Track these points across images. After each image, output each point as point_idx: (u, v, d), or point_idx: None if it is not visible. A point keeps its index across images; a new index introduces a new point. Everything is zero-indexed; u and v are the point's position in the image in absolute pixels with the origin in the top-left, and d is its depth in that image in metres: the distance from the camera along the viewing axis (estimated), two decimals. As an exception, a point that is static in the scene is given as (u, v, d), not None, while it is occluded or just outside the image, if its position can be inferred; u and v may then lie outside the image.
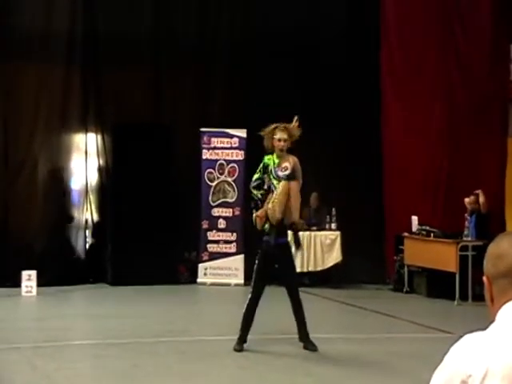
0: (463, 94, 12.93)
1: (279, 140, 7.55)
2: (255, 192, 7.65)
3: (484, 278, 1.99)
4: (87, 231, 13.13)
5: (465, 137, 12.83)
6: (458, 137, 12.88)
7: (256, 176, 7.71)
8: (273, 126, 7.69)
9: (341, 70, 13.23)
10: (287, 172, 7.48)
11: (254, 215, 7.61)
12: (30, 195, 12.63)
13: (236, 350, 7.64)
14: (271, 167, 7.58)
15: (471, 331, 1.99)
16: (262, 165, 7.71)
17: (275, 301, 8.59)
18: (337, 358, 7.67)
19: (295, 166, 7.56)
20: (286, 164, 7.50)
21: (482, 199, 11.63)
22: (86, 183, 13.08)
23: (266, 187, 7.58)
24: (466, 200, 11.77)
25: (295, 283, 7.96)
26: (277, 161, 7.55)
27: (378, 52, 13.36)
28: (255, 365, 7.33)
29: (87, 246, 13.15)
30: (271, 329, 8.36)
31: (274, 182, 7.54)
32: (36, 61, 12.50)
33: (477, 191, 11.73)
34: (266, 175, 7.59)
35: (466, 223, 11.61)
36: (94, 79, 12.93)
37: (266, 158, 7.65)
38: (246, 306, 7.75)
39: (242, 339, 7.69)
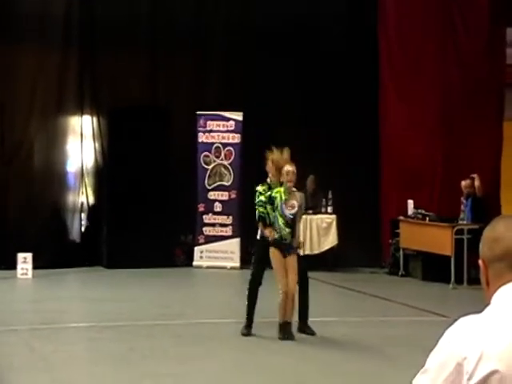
0: (460, 79, 12.90)
1: (287, 174, 7.47)
2: (261, 209, 7.64)
3: (480, 262, 1.98)
4: (83, 214, 13.12)
5: (461, 121, 12.82)
6: (453, 121, 12.87)
7: (261, 198, 7.64)
8: (280, 156, 7.58)
9: (340, 57, 13.18)
10: (294, 211, 7.52)
11: (261, 228, 7.67)
12: (26, 178, 12.60)
13: (243, 334, 7.62)
14: (278, 203, 7.52)
15: (466, 314, 1.99)
16: (267, 192, 7.63)
17: (272, 284, 8.61)
18: (333, 341, 7.70)
19: (301, 204, 7.69)
20: (293, 202, 7.53)
21: (477, 183, 11.65)
22: (82, 166, 13.06)
23: (268, 221, 7.56)
24: (463, 183, 11.78)
25: (302, 267, 7.95)
26: (284, 197, 7.51)
27: (376, 44, 13.33)
28: (252, 348, 7.36)
29: (83, 229, 13.15)
30: (269, 313, 8.36)
31: (280, 218, 7.51)
32: (33, 44, 12.44)
33: (473, 175, 11.73)
34: (269, 207, 7.55)
35: (462, 207, 11.62)
36: (91, 62, 12.88)
37: (274, 192, 7.55)
38: (247, 290, 7.76)
39: (249, 323, 7.69)
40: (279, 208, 7.50)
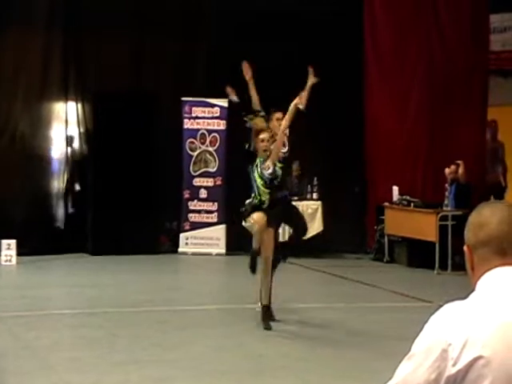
0: (443, 65, 12.91)
1: (262, 141, 7.66)
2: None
3: (465, 247, 1.99)
4: (67, 200, 13.05)
5: (445, 108, 12.85)
6: (438, 108, 12.90)
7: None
8: (258, 123, 7.74)
9: (325, 44, 13.13)
10: (270, 171, 7.60)
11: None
12: (9, 164, 12.50)
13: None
14: (256, 164, 7.67)
15: (451, 300, 1.99)
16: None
17: (257, 270, 8.60)
18: (318, 326, 7.71)
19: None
20: (267, 163, 7.61)
21: (461, 170, 11.69)
22: (67, 152, 12.98)
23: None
24: (447, 170, 11.82)
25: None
26: (261, 159, 7.68)
27: (361, 28, 13.31)
28: (237, 334, 7.36)
29: (67, 216, 13.08)
30: (252, 299, 8.36)
31: (258, 180, 7.62)
32: (16, 28, 12.30)
33: (458, 161, 11.77)
34: (250, 169, 7.67)
35: (446, 193, 11.66)
36: (76, 47, 12.76)
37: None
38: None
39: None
40: (258, 171, 7.59)
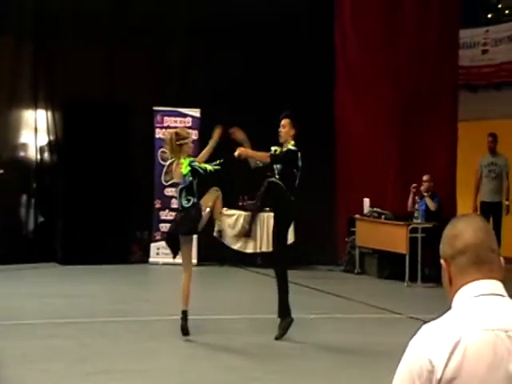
0: (412, 80, 13.06)
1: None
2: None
3: (442, 261, 2.01)
4: (37, 209, 12.94)
5: (415, 121, 13.00)
6: (407, 121, 13.04)
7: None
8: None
9: (295, 50, 13.24)
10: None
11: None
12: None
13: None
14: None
15: (420, 312, 2.02)
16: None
17: (229, 281, 8.61)
18: (289, 338, 7.72)
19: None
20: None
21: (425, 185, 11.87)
22: (36, 161, 12.87)
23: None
24: (422, 188, 11.92)
25: None
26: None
27: (332, 33, 13.42)
28: (207, 345, 7.34)
29: (37, 225, 12.96)
30: (225, 309, 8.38)
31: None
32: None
33: (424, 177, 11.89)
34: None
35: (417, 206, 11.75)
36: (46, 55, 12.70)
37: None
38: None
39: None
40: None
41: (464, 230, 1.98)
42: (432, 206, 11.55)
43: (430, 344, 1.88)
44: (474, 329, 1.87)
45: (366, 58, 13.16)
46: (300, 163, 7.87)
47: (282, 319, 7.58)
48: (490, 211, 11.76)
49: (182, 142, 7.60)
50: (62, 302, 9.28)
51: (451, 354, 1.84)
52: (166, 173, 12.97)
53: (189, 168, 7.56)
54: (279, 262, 7.73)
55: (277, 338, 7.44)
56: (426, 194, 11.65)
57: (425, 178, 11.90)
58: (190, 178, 7.58)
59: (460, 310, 1.93)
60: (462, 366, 1.84)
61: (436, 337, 1.88)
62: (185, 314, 7.40)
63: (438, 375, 1.84)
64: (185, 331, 7.34)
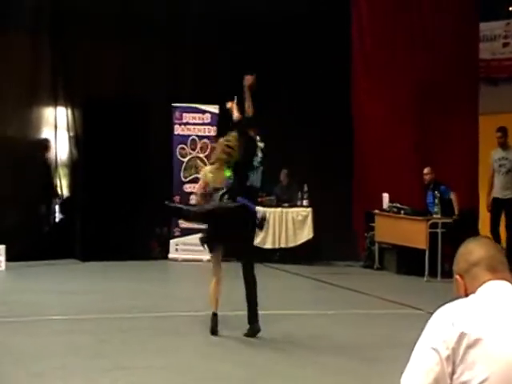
0: (432, 73, 12.96)
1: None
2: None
3: (456, 277, 2.19)
4: (57, 206, 13.00)
5: (434, 115, 12.90)
6: (427, 115, 12.95)
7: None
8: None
9: (312, 46, 13.18)
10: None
11: None
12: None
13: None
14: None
15: (440, 307, 2.00)
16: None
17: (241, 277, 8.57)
18: (308, 334, 7.70)
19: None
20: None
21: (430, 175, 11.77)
22: (56, 157, 12.93)
23: None
24: (426, 177, 11.83)
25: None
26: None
27: (348, 27, 13.36)
28: (226, 341, 7.33)
29: (57, 221, 13.03)
30: (240, 305, 8.34)
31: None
32: (4, 34, 12.26)
33: (425, 170, 11.81)
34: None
35: (432, 199, 11.60)
36: (65, 52, 12.74)
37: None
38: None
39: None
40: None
41: (476, 247, 2.21)
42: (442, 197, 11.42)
43: (456, 310, 2.02)
44: (494, 305, 2.03)
45: (383, 52, 13.07)
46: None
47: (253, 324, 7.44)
48: (503, 207, 11.54)
49: (230, 151, 7.56)
50: (81, 298, 9.31)
51: (475, 317, 1.98)
52: (185, 169, 13.01)
53: (230, 169, 7.58)
54: (253, 265, 7.66)
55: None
56: (430, 186, 11.59)
57: (425, 170, 11.82)
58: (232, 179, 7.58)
59: (481, 293, 2.10)
60: (487, 328, 1.97)
61: (462, 305, 2.04)
62: (215, 316, 7.46)
63: (465, 338, 1.97)
64: (213, 332, 7.40)
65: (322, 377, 6.26)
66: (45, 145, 12.82)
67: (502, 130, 11.83)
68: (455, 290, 2.19)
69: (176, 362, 6.56)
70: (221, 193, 7.56)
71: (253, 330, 7.39)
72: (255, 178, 7.55)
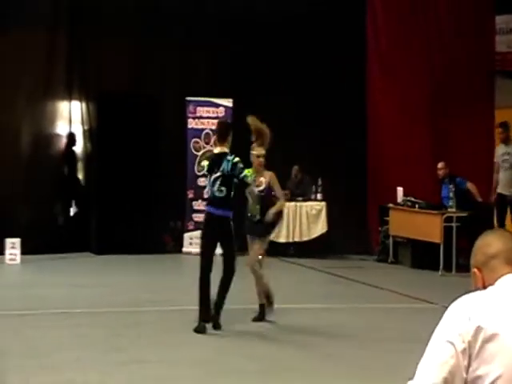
0: (447, 66, 12.89)
1: (258, 156, 7.73)
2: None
3: (474, 271, 2.16)
4: (72, 200, 13.06)
5: (449, 108, 12.84)
6: (442, 108, 12.88)
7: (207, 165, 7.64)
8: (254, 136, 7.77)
9: (328, 45, 13.13)
10: (261, 188, 7.71)
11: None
12: (13, 163, 12.51)
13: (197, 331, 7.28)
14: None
15: (454, 301, 1.99)
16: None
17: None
18: (321, 327, 7.70)
19: (271, 181, 7.77)
20: (261, 179, 7.68)
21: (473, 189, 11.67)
22: (71, 151, 12.98)
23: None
24: (440, 172, 11.77)
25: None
26: (253, 175, 7.61)
27: (364, 24, 13.32)
28: (240, 335, 7.35)
29: (72, 215, 13.09)
30: (254, 299, 8.35)
31: (248, 196, 7.83)
32: (20, 28, 12.31)
33: (439, 164, 11.74)
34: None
35: (447, 193, 11.54)
36: (79, 46, 12.78)
37: (246, 171, 7.56)
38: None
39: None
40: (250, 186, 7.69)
41: (494, 239, 2.19)
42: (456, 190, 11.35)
43: (473, 304, 2.01)
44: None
45: (398, 51, 13.03)
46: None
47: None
48: (508, 204, 11.44)
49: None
50: (95, 292, 9.36)
51: (493, 311, 1.97)
52: (199, 163, 13.01)
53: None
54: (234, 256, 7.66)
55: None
56: (445, 180, 11.55)
57: (439, 165, 11.76)
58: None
59: (499, 286, 2.09)
60: (504, 323, 1.96)
61: (478, 299, 2.03)
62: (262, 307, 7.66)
63: (481, 332, 1.95)
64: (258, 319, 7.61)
65: (335, 370, 6.26)
66: (72, 139, 12.89)
67: (503, 126, 11.69)
68: (473, 284, 2.15)
69: (189, 355, 6.58)
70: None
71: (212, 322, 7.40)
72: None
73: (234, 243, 7.55)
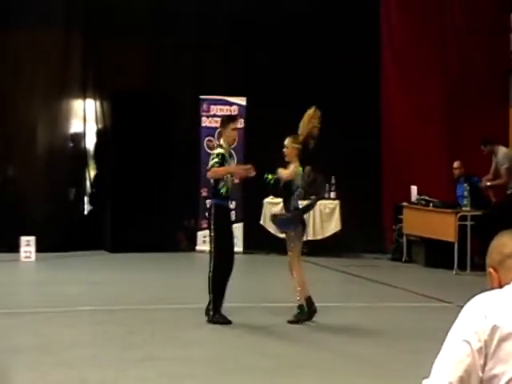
0: (462, 65, 12.84)
1: (283, 147, 7.90)
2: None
3: (490, 270, 2.16)
4: (86, 198, 13.12)
5: (464, 107, 12.79)
6: (456, 107, 12.83)
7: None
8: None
9: (342, 43, 13.11)
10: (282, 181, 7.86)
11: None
12: (28, 161, 12.60)
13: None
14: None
15: (469, 300, 2.00)
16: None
17: (275, 269, 8.61)
18: (335, 326, 7.70)
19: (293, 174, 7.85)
20: (280, 171, 7.85)
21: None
22: (85, 150, 13.05)
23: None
24: (456, 171, 11.73)
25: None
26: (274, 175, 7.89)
27: (378, 22, 13.28)
28: (254, 332, 7.36)
29: (86, 213, 13.15)
30: (269, 297, 8.38)
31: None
32: (35, 27, 12.39)
33: (455, 164, 11.70)
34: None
35: (462, 192, 11.50)
36: (94, 45, 12.84)
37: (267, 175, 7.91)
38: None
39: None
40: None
41: (510, 239, 2.19)
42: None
43: (489, 302, 2.02)
44: None
45: (413, 49, 12.99)
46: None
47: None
48: None
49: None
50: (109, 289, 9.40)
51: (509, 310, 1.97)
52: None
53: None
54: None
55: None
56: (460, 179, 11.51)
57: (455, 165, 11.72)
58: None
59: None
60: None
61: (494, 297, 2.03)
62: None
63: (497, 331, 1.96)
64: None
65: (349, 368, 6.26)
66: (86, 137, 12.98)
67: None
68: (489, 283, 2.15)
69: (203, 353, 6.60)
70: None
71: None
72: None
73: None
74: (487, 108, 12.69)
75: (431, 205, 11.69)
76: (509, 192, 11.44)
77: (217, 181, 7.66)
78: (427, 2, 13.07)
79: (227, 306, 7.97)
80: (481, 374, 1.94)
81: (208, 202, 7.72)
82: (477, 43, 12.81)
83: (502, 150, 11.63)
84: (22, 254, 11.48)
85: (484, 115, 12.64)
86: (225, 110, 12.91)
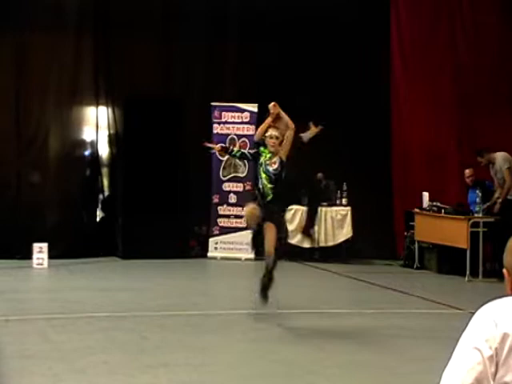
0: (474, 68, 12.82)
1: (270, 138, 8.05)
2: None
3: (505, 271, 2.11)
4: (98, 204, 13.17)
5: (476, 112, 12.75)
6: (468, 112, 12.79)
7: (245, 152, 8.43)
8: (268, 119, 8.16)
9: (352, 47, 13.12)
10: (275, 166, 8.03)
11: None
12: (41, 168, 12.67)
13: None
14: (262, 160, 8.09)
15: (481, 307, 2.00)
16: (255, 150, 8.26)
17: (287, 275, 8.60)
18: (347, 332, 7.68)
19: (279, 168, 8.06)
20: (274, 159, 8.03)
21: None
22: (97, 156, 13.10)
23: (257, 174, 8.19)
24: (468, 179, 11.68)
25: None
26: (268, 155, 8.09)
27: (388, 26, 13.28)
28: (265, 339, 7.36)
29: (98, 219, 13.20)
30: (282, 303, 8.37)
31: (263, 174, 8.06)
32: (47, 33, 12.47)
33: (467, 171, 11.65)
34: (256, 163, 8.18)
35: (473, 198, 11.45)
36: (106, 52, 12.91)
37: (262, 149, 8.15)
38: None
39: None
40: (263, 165, 8.03)
41: None
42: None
43: (500, 310, 1.99)
44: None
45: (423, 52, 12.98)
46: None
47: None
48: None
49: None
50: (122, 296, 9.42)
51: (508, 330, 1.94)
52: (224, 168, 13.06)
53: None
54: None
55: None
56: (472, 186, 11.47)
57: (467, 172, 11.66)
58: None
59: None
60: None
61: (505, 305, 2.01)
62: None
63: (508, 339, 1.94)
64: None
65: (362, 374, 6.25)
66: (98, 144, 13.07)
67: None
68: (505, 286, 2.15)
69: (215, 359, 6.60)
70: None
71: None
72: None
73: None
74: (500, 111, 12.65)
75: (443, 211, 11.66)
76: (509, 197, 11.37)
77: None
78: (437, 4, 13.05)
79: (239, 312, 7.98)
80: (492, 382, 1.93)
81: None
82: (488, 46, 12.78)
83: (499, 155, 11.59)
84: (35, 261, 11.52)
85: (496, 120, 12.60)
86: (236, 117, 12.94)
